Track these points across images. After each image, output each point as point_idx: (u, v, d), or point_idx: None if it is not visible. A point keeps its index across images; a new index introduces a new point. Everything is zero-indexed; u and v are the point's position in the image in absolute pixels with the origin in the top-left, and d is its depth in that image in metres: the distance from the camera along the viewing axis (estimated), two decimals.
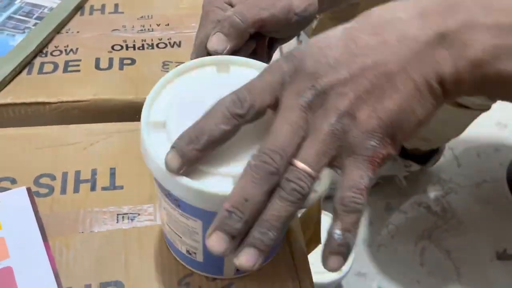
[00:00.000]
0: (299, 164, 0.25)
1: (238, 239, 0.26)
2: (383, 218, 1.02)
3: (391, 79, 0.25)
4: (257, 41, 0.39)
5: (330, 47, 0.26)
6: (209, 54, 0.37)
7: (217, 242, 0.26)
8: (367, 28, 0.26)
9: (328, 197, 0.99)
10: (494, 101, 0.26)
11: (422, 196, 1.07)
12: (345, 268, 0.78)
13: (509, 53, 0.25)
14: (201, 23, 0.38)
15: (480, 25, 0.25)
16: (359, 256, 0.94)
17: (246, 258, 0.26)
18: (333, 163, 0.26)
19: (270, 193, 0.26)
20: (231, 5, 0.38)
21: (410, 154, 1.02)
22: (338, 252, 0.26)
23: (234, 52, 0.37)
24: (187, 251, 0.34)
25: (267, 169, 0.25)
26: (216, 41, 0.36)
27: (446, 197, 1.07)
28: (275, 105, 0.27)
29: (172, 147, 0.27)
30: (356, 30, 0.26)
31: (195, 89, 0.32)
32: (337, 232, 0.26)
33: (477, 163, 1.14)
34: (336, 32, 0.27)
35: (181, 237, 0.32)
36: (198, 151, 0.26)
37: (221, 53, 0.36)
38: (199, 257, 0.33)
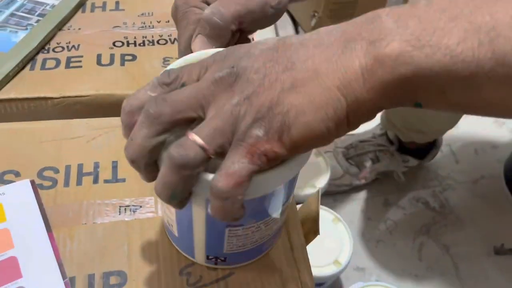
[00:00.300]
0: (191, 134, 0.26)
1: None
2: (382, 214, 1.03)
3: (295, 78, 0.26)
4: (239, 36, 0.39)
5: (265, 43, 0.28)
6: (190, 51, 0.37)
7: None
8: (301, 36, 0.28)
9: (326, 193, 0.99)
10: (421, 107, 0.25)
11: (420, 192, 1.08)
12: (344, 262, 0.79)
13: (416, 49, 0.24)
14: (181, 25, 0.38)
15: (390, 29, 0.25)
16: (358, 251, 0.95)
17: None
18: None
19: (153, 139, 0.26)
20: (207, 3, 0.38)
21: (407, 148, 1.02)
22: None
23: None
24: (167, 222, 0.35)
25: (148, 113, 0.26)
26: (200, 44, 0.36)
27: (444, 193, 1.08)
28: None
29: None
30: (293, 36, 0.28)
31: None
32: (209, 212, 0.27)
33: (474, 160, 1.15)
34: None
35: (163, 206, 0.34)
36: (129, 117, 0.28)
37: None
38: (175, 231, 0.35)
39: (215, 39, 0.36)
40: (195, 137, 0.26)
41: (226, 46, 0.37)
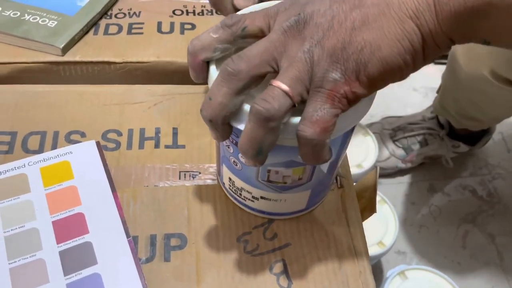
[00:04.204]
0: (275, 81, 0.26)
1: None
2: (426, 199, 1.01)
3: (366, 14, 0.25)
4: None
5: None
6: (236, 9, 0.37)
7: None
8: None
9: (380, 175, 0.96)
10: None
11: (467, 180, 1.05)
12: (388, 244, 0.79)
13: None
14: None
15: None
16: (400, 235, 0.94)
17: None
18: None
19: (234, 97, 0.27)
20: None
21: (458, 134, 0.99)
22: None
23: None
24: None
25: (226, 70, 0.26)
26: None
27: (492, 182, 1.04)
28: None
29: None
30: None
31: None
32: (299, 158, 0.27)
33: None
34: None
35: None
36: (192, 57, 0.29)
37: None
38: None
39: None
40: (279, 83, 0.26)
41: None
